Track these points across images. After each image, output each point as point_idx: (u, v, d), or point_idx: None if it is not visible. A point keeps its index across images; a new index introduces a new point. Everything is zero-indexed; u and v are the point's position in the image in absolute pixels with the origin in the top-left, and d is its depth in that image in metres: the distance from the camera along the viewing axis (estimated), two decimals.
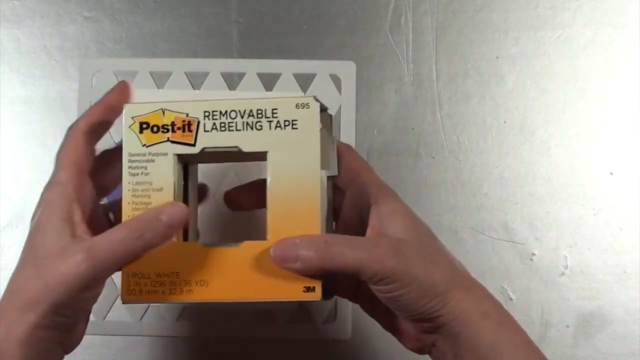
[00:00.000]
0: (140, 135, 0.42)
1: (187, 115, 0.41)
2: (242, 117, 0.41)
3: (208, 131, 0.41)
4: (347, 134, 0.57)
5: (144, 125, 0.42)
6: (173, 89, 0.57)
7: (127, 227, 0.40)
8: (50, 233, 0.40)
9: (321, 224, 0.41)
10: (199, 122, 0.41)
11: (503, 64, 0.58)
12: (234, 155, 0.42)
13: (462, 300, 0.40)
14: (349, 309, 0.55)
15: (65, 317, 0.40)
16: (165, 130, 0.41)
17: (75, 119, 0.56)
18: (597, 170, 0.57)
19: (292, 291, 0.40)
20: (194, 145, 0.41)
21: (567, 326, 0.55)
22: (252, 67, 0.57)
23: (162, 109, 0.42)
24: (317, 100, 0.41)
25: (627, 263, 0.55)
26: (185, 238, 0.43)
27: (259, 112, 0.41)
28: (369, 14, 0.58)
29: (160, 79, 0.57)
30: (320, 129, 0.41)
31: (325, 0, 0.58)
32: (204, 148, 0.41)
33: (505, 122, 0.57)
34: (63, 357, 0.42)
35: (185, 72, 0.57)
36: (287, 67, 0.57)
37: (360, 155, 0.45)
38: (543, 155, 0.57)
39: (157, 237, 0.40)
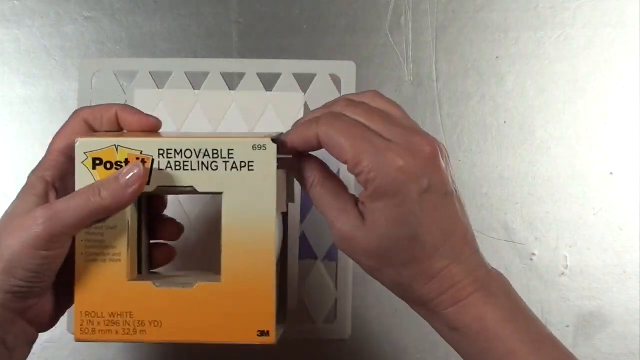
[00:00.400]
0: (94, 172, 0.41)
1: (141, 152, 0.41)
2: (197, 156, 0.41)
3: (162, 170, 0.41)
4: None
5: (97, 162, 0.41)
6: (173, 88, 0.57)
7: (86, 187, 0.41)
8: (20, 207, 0.41)
9: (276, 267, 0.41)
10: (153, 159, 0.41)
11: (503, 64, 0.58)
12: (191, 193, 0.42)
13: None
14: (348, 309, 0.55)
15: (25, 282, 0.40)
16: (119, 167, 0.41)
17: None
18: (597, 170, 0.57)
19: (246, 334, 0.40)
20: (147, 183, 0.41)
21: (567, 326, 0.55)
22: (252, 67, 0.57)
23: (115, 145, 0.41)
24: (274, 140, 0.41)
25: (627, 263, 0.56)
26: (141, 270, 0.44)
27: (215, 152, 0.41)
28: (369, 14, 0.58)
29: (160, 79, 0.57)
30: (277, 170, 0.41)
31: (325, 0, 0.58)
32: (158, 186, 0.41)
33: (505, 122, 0.57)
34: (35, 336, 0.42)
35: (185, 72, 0.57)
36: (287, 67, 0.57)
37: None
38: (543, 155, 0.57)
39: (114, 195, 0.40)
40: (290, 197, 0.45)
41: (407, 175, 0.39)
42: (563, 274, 0.56)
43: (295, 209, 0.56)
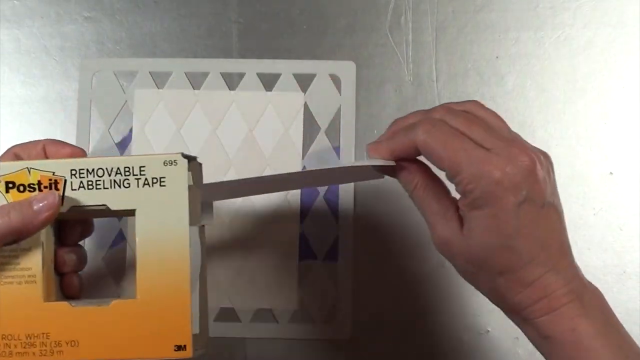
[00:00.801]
0: (7, 195, 0.41)
1: (54, 173, 0.41)
2: (109, 174, 0.41)
3: (75, 189, 0.41)
4: (347, 134, 0.57)
5: (10, 185, 0.42)
6: (173, 88, 0.57)
7: None
8: None
9: (191, 283, 0.41)
10: (65, 180, 0.41)
11: (503, 64, 0.58)
12: (105, 212, 0.42)
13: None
14: (349, 309, 0.55)
15: None
16: (32, 189, 0.41)
17: (75, 119, 0.57)
18: (597, 170, 0.57)
19: (163, 349, 0.40)
20: (61, 204, 0.41)
21: None
22: (252, 67, 0.57)
23: (27, 167, 0.42)
24: (185, 155, 0.41)
25: (627, 263, 0.55)
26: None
27: (127, 169, 0.41)
28: (369, 14, 0.58)
29: (160, 79, 0.57)
30: (190, 185, 0.41)
31: (325, 0, 0.58)
32: (72, 207, 0.41)
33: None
34: None
35: (185, 72, 0.57)
36: (287, 67, 0.57)
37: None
38: None
39: (24, 219, 0.40)
40: (207, 212, 0.45)
41: (504, 187, 0.39)
42: None
43: (294, 210, 0.56)
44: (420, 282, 0.56)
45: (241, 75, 0.57)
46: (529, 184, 0.40)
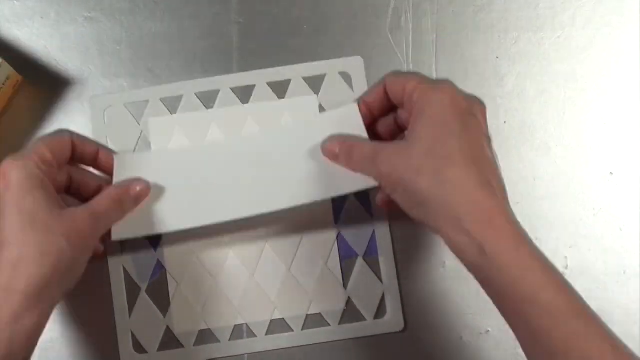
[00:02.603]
0: None
1: None
2: None
3: None
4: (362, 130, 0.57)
5: None
6: (186, 111, 0.57)
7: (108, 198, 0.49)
8: (37, 207, 0.45)
9: None
10: None
11: (503, 64, 0.58)
12: None
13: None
14: (398, 301, 0.55)
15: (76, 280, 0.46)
16: None
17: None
18: (597, 170, 0.57)
19: None
20: None
21: None
22: (261, 77, 0.57)
23: None
24: None
25: (627, 263, 0.55)
26: None
27: None
28: (369, 14, 0.58)
29: (172, 104, 0.57)
30: None
31: (325, 0, 0.58)
32: None
33: (505, 122, 0.57)
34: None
35: (195, 94, 0.57)
36: (295, 72, 0.57)
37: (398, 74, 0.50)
38: (543, 155, 0.57)
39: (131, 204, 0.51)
40: None
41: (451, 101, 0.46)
42: (563, 274, 0.56)
43: (327, 211, 0.56)
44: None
45: (252, 88, 0.57)
46: (476, 110, 0.46)
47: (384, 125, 0.53)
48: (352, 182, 0.49)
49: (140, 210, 0.51)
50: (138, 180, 0.51)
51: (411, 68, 0.58)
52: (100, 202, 0.48)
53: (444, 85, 0.47)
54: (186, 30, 0.58)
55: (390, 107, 0.51)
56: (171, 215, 0.51)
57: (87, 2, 0.58)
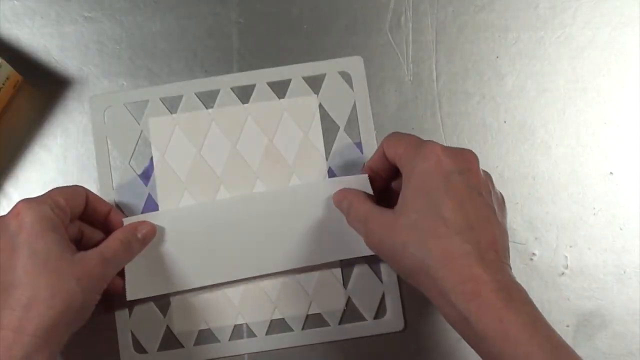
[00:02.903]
0: None
1: None
2: None
3: None
4: (366, 128, 0.57)
5: None
6: (186, 111, 0.57)
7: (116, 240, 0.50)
8: (50, 249, 0.45)
9: None
10: None
11: (503, 63, 0.58)
12: None
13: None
14: (398, 300, 0.55)
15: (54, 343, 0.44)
16: None
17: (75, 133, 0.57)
18: (597, 170, 0.57)
19: None
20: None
21: (567, 326, 0.55)
22: (261, 77, 0.57)
23: None
24: None
25: (627, 263, 0.56)
26: None
27: None
28: (369, 14, 0.58)
29: (172, 104, 0.57)
30: None
31: (325, 0, 0.58)
32: None
33: (505, 122, 0.57)
34: None
35: (195, 93, 0.57)
36: (295, 72, 0.57)
37: (396, 136, 0.50)
38: (543, 155, 0.57)
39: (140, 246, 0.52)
40: None
41: (437, 159, 0.45)
42: (563, 273, 0.56)
43: None
44: None
45: (252, 88, 0.57)
46: (464, 166, 0.45)
47: (398, 184, 0.51)
48: (359, 247, 0.51)
49: (152, 270, 0.53)
50: (144, 222, 0.52)
51: (411, 68, 0.58)
52: (109, 245, 0.49)
53: (427, 149, 0.46)
54: (186, 30, 0.58)
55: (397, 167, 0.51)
56: (181, 274, 0.54)
57: (87, 2, 0.58)
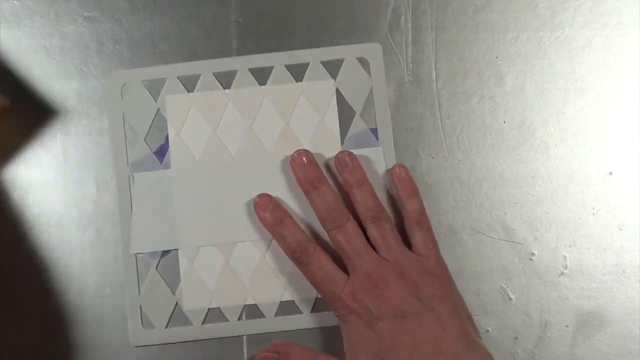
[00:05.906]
0: None
1: None
2: None
3: None
4: (382, 115, 0.57)
5: None
6: (203, 91, 0.57)
7: None
8: None
9: None
10: None
11: (502, 64, 0.58)
12: None
13: None
14: None
15: None
16: None
17: (73, 118, 0.57)
18: (597, 170, 0.57)
19: None
20: None
21: (567, 326, 0.55)
22: (279, 59, 0.57)
23: None
24: None
25: (626, 263, 0.56)
26: None
27: None
28: (369, 14, 0.58)
29: (189, 83, 0.57)
30: None
31: (325, 0, 0.58)
32: None
33: (504, 122, 0.57)
34: None
35: (213, 73, 0.57)
36: (314, 56, 0.58)
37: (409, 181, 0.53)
38: (543, 155, 0.57)
39: None
40: None
41: (350, 309, 0.49)
42: (562, 273, 0.56)
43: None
44: None
45: (270, 70, 0.57)
46: (375, 303, 0.47)
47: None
48: None
49: (158, 226, 0.55)
50: None
51: (411, 68, 0.58)
52: None
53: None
54: (186, 30, 0.58)
55: None
56: (186, 232, 0.55)
57: (87, 1, 0.58)
